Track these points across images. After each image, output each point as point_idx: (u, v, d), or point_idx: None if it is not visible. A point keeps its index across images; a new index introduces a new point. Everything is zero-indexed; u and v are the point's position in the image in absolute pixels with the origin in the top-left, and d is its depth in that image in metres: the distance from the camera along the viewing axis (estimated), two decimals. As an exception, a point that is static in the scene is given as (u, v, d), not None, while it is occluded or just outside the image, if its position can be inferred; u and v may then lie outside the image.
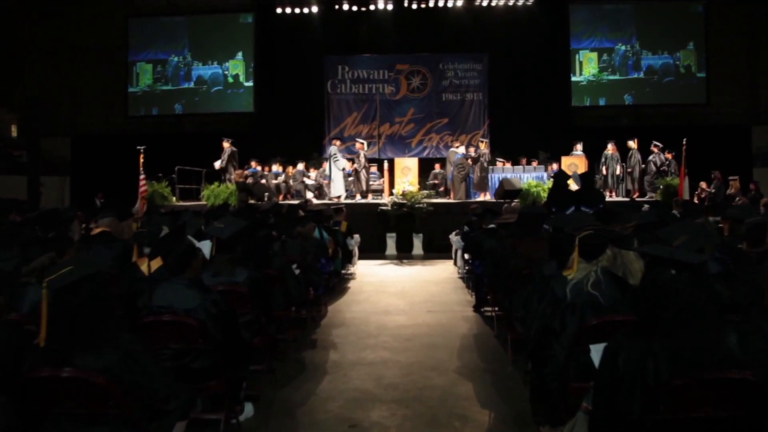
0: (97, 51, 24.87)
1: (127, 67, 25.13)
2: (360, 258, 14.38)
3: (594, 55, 24.41)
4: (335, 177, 17.57)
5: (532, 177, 17.96)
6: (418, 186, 17.67)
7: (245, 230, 6.22)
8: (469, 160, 18.08)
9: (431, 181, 20.90)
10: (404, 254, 15.97)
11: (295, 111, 24.04)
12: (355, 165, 18.05)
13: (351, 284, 11.86)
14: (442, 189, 19.75)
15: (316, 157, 22.59)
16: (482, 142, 18.98)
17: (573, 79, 24.35)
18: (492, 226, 9.27)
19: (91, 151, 24.57)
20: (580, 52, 24.41)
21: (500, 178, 18.13)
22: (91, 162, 24.18)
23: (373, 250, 16.05)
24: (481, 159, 18.03)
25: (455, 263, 12.90)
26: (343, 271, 12.37)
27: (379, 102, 23.59)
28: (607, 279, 4.38)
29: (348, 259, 12.29)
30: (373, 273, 13.23)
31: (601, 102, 24.42)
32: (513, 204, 13.43)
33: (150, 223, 6.65)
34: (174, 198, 18.26)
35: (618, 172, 18.73)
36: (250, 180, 16.82)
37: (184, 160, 20.43)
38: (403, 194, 16.30)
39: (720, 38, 23.80)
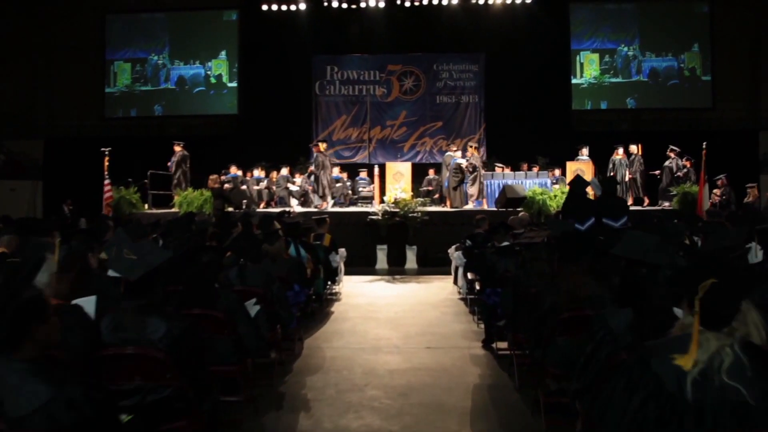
0: (72, 49, 22.84)
1: (104, 66, 23.15)
2: (347, 273, 12.44)
3: (595, 57, 22.59)
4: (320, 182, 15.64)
5: (536, 183, 16.05)
6: (411, 193, 15.76)
7: (179, 259, 4.31)
8: (466, 166, 16.17)
9: (425, 188, 18.97)
10: (396, 268, 14.04)
11: (281, 113, 22.07)
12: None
13: (335, 307, 9.89)
14: (437, 196, 17.83)
15: (302, 161, 20.63)
16: (471, 147, 17.11)
17: (573, 81, 22.53)
18: (506, 243, 7.35)
19: (65, 154, 22.47)
20: (581, 53, 22.59)
21: (501, 185, 16.24)
22: (65, 166, 22.10)
23: (362, 264, 14.13)
24: (477, 166, 16.21)
25: (455, 282, 10.95)
26: (326, 291, 10.44)
27: (369, 104, 21.72)
28: (753, 360, 2.43)
29: (331, 277, 10.33)
30: (361, 293, 11.26)
31: (603, 105, 22.59)
32: (520, 215, 11.53)
33: (26, 250, 4.53)
34: (145, 205, 16.31)
35: (627, 178, 16.86)
36: (227, 186, 14.83)
37: (163, 165, 18.55)
38: (395, 202, 14.38)
39: (726, 40, 21.99)
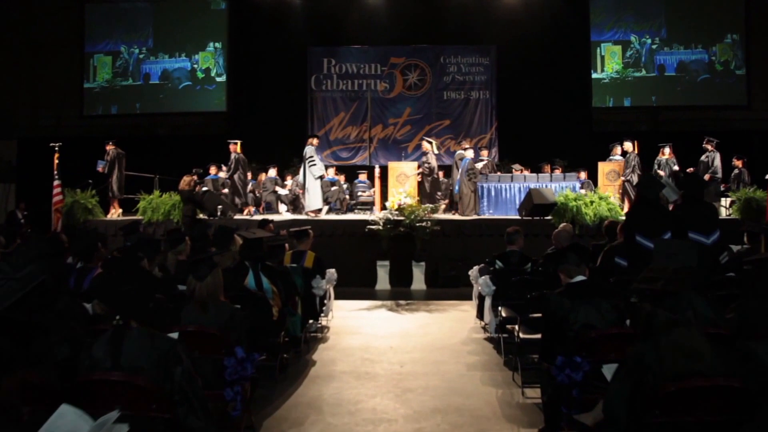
0: (48, 41, 20.01)
1: (82, 59, 20.22)
2: (340, 296, 9.53)
3: (618, 49, 19.61)
4: (311, 186, 12.66)
5: (563, 187, 13.06)
6: (417, 198, 12.79)
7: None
8: (481, 166, 13.23)
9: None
10: (401, 290, 11.09)
11: (273, 111, 19.14)
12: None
13: (318, 354, 6.92)
14: (446, 202, 14.83)
15: (296, 163, 17.64)
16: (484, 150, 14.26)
17: (594, 76, 19.55)
18: (582, 279, 4.38)
19: (41, 155, 19.40)
20: (602, 45, 19.59)
21: (521, 189, 13.27)
22: (41, 167, 19.10)
23: (359, 284, 11.20)
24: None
25: (480, 315, 7.95)
26: (309, 328, 7.48)
27: (370, 100, 18.76)
28: None
29: (314, 312, 7.37)
30: (356, 328, 8.27)
31: (626, 102, 19.59)
32: (562, 227, 8.57)
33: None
34: (113, 210, 13.43)
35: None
36: (200, 189, 11.86)
37: (143, 166, 15.78)
38: (400, 209, 11.43)
39: (762, 30, 19.00)
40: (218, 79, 19.98)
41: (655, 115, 19.50)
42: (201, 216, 12.12)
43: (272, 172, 15.19)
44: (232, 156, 13.80)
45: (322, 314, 8.16)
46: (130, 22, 20.14)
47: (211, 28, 19.95)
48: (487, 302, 7.34)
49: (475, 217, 12.56)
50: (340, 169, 17.36)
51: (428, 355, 6.77)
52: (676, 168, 13.84)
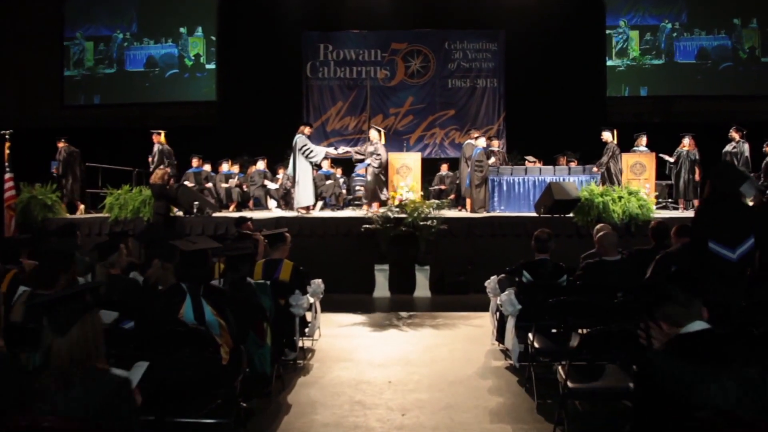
0: (24, 25, 18.22)
1: (62, 45, 18.49)
2: (331, 308, 7.90)
3: (635, 35, 17.86)
4: (302, 179, 10.93)
5: (585, 181, 11.37)
6: (421, 192, 11.12)
7: None
8: (494, 158, 11.54)
9: (436, 187, 14.31)
10: (402, 297, 9.39)
11: (266, 100, 17.38)
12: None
13: (295, 394, 5.20)
14: (452, 197, 13.11)
15: (290, 155, 15.92)
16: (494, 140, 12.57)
17: (609, 63, 17.83)
18: (702, 327, 2.64)
19: (18, 148, 17.76)
20: (618, 30, 17.85)
21: (537, 183, 11.59)
22: (17, 162, 17.42)
23: (355, 290, 9.52)
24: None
25: (499, 338, 6.23)
26: (290, 354, 5.80)
27: (369, 89, 17.08)
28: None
29: (288, 342, 5.66)
30: (347, 352, 6.54)
31: (643, 92, 17.87)
32: (602, 231, 6.88)
33: None
34: (82, 207, 11.75)
35: (698, 176, 12.17)
36: (173, 183, 10.14)
37: (128, 159, 14.21)
38: (401, 205, 9.74)
39: (791, 14, 17.29)
40: (208, 67, 18.29)
41: (671, 105, 17.76)
42: (177, 213, 10.44)
43: (261, 165, 13.47)
44: (155, 147, 12.22)
45: (306, 335, 6.48)
46: (112, 5, 18.44)
47: (199, 11, 18.23)
48: (510, 324, 5.65)
49: (486, 214, 10.84)
50: (336, 162, 15.67)
51: (437, 396, 5.06)
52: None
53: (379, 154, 11.24)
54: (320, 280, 6.78)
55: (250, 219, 8.93)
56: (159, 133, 12.41)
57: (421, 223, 9.22)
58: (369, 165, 11.32)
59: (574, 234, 9.77)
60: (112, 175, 13.62)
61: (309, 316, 6.57)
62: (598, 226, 6.94)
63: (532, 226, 9.53)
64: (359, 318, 8.06)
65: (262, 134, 16.33)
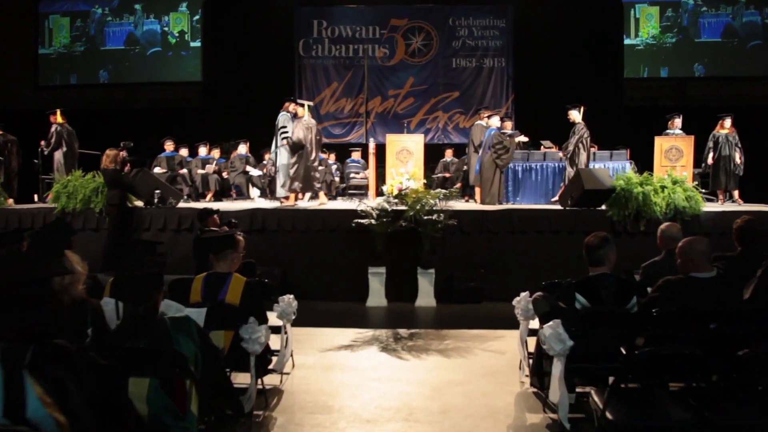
0: (-5, -1, 16.31)
1: (36, 21, 16.52)
2: (313, 322, 6.04)
3: (654, 11, 15.88)
4: (282, 163, 9.02)
5: (615, 168, 9.48)
6: (424, 180, 9.22)
7: None
8: (514, 139, 9.63)
9: (439, 174, 12.42)
10: (401, 307, 7.49)
11: (255, 81, 15.43)
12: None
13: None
14: (458, 186, 11.19)
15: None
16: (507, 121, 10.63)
17: (626, 42, 15.85)
18: None
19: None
20: (637, 6, 15.86)
21: (560, 170, 9.70)
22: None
23: (344, 297, 7.64)
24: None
25: (539, 384, 4.32)
26: (237, 407, 3.89)
27: (367, 69, 15.05)
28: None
29: (231, 402, 3.74)
30: (324, 399, 4.56)
31: (663, 73, 15.91)
32: (669, 228, 5.01)
33: None
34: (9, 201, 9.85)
35: (738, 161, 10.25)
36: (130, 168, 8.19)
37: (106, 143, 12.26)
38: (401, 195, 7.84)
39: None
40: (192, 45, 16.32)
41: (693, 86, 15.79)
42: (137, 203, 8.54)
43: (242, 149, 11.55)
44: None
45: (272, 371, 4.63)
46: (90, -23, 16.47)
47: (183, -16, 16.27)
48: (558, 369, 3.75)
49: (501, 207, 8.92)
50: (329, 146, 13.79)
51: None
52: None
53: (285, 130, 9.04)
54: (291, 297, 4.89)
55: (217, 211, 7.03)
56: (54, 113, 10.53)
57: (425, 217, 7.30)
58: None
59: (608, 231, 7.83)
60: (88, 160, 11.76)
61: (277, 341, 4.73)
62: (665, 227, 5.06)
63: (557, 221, 7.70)
64: (347, 337, 6.16)
65: (250, 117, 14.33)
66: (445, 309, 7.44)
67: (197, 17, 16.19)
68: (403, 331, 6.38)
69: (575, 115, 9.80)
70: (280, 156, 8.98)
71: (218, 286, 3.94)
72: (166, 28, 16.33)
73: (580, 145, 9.50)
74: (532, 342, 4.76)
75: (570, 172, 9.25)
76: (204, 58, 16.24)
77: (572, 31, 15.47)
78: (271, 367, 4.70)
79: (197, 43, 16.27)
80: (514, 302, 4.92)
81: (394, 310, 7.38)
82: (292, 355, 5.15)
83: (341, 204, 9.03)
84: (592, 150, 11.45)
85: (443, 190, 7.80)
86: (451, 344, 5.94)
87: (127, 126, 14.89)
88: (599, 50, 15.60)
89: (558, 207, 8.59)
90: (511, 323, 6.66)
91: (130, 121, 15.32)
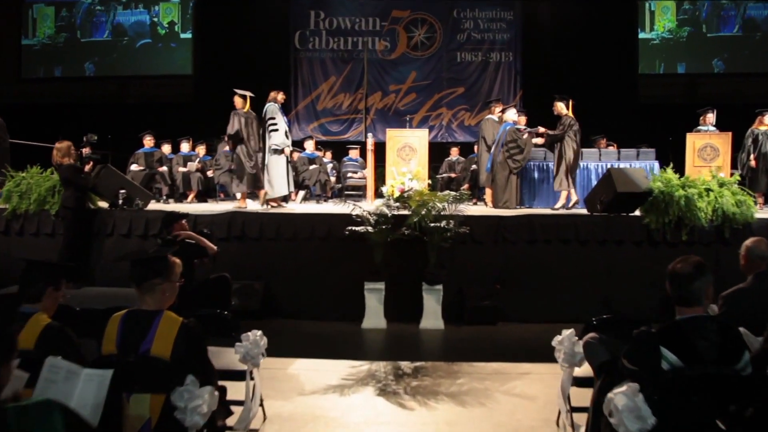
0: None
1: (20, 11, 15.23)
2: (293, 351, 4.76)
3: (671, 3, 14.65)
4: (272, 163, 7.72)
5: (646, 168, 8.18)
6: (429, 181, 7.93)
7: None
8: (533, 135, 8.32)
9: (444, 174, 11.12)
10: (404, 329, 6.16)
11: (249, 74, 13.94)
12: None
13: None
14: (465, 187, 9.88)
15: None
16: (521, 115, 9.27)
17: (641, 36, 14.63)
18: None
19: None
20: (652, -2, 14.63)
21: (582, 169, 8.41)
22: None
23: (335, 317, 6.34)
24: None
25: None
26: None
27: (367, 63, 13.65)
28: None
29: None
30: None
31: (680, 69, 14.63)
32: (754, 242, 3.69)
33: None
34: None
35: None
36: (91, 165, 6.85)
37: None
38: (403, 197, 6.54)
39: None
40: (183, 36, 15.06)
41: (713, 83, 14.49)
42: (102, 204, 7.24)
43: (228, 145, 10.22)
44: None
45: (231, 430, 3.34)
46: (76, -35, 15.17)
47: (174, -28, 14.98)
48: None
49: (518, 212, 7.60)
50: (326, 144, 12.52)
51: None
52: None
53: (273, 122, 7.81)
54: (259, 334, 3.59)
55: (186, 216, 5.73)
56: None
57: (432, 224, 5.98)
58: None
59: (644, 241, 6.56)
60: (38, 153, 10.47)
61: (241, 390, 3.45)
62: (753, 243, 3.73)
63: (585, 230, 6.37)
64: (338, 373, 4.84)
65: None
66: (455, 332, 6.12)
67: (188, 7, 14.90)
68: (405, 365, 5.07)
69: (561, 107, 8.42)
70: (268, 153, 7.67)
71: (141, 330, 2.63)
72: (155, 19, 15.05)
73: (569, 139, 8.15)
74: (577, 395, 3.50)
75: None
76: (195, 50, 15.00)
77: (584, 23, 14.23)
78: (232, 425, 3.43)
79: (188, 35, 14.99)
80: (554, 343, 3.60)
81: (394, 334, 6.07)
82: (262, 404, 3.85)
83: (333, 207, 7.64)
84: (611, 148, 10.18)
85: (452, 192, 6.47)
86: (465, 384, 4.62)
87: (112, 121, 13.59)
88: (612, 45, 14.33)
89: (584, 212, 7.29)
90: (535, 353, 5.38)
91: (116, 116, 14.03)
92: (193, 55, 14.94)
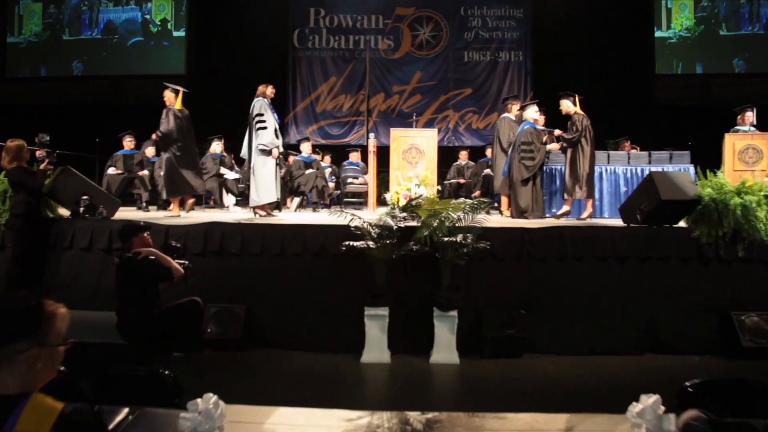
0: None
1: (5, 7, 14.18)
2: (276, 396, 3.62)
3: (689, 1, 13.50)
4: (259, 166, 6.61)
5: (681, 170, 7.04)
6: (437, 187, 6.84)
7: None
8: (552, 138, 7.21)
9: (452, 180, 10.03)
10: (411, 363, 5.04)
11: (245, 75, 12.89)
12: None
13: None
14: (476, 194, 8.78)
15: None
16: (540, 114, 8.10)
17: (657, 34, 13.50)
18: None
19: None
20: (669, -6, 13.53)
21: (609, 174, 7.29)
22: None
23: (329, 349, 5.22)
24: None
25: None
26: None
27: (369, 62, 12.68)
28: None
29: None
30: None
31: (698, 68, 13.51)
32: None
33: None
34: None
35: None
36: (45, 167, 5.75)
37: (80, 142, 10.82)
38: (411, 205, 5.43)
39: None
40: (176, 34, 13.96)
41: (734, 84, 13.39)
42: (62, 212, 6.13)
43: (216, 147, 9.15)
44: None
45: None
46: (65, -41, 14.12)
47: (167, -33, 13.92)
48: None
49: (545, 222, 6.46)
50: (325, 148, 11.44)
51: None
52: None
53: (262, 119, 6.75)
54: (213, 400, 2.48)
55: (149, 227, 4.64)
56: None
57: (446, 238, 4.87)
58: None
59: (693, 257, 5.44)
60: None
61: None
62: None
63: (625, 243, 5.26)
64: (329, 430, 3.74)
65: (238, 115, 11.90)
66: (473, 368, 4.99)
67: (181, 4, 13.82)
68: (415, 417, 3.94)
69: (568, 105, 7.32)
70: (256, 153, 6.57)
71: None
72: (147, 16, 13.97)
73: (583, 140, 7.05)
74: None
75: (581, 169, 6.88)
76: (188, 48, 13.88)
77: (597, 21, 13.20)
78: None
79: (181, 33, 13.90)
80: (629, 415, 2.49)
81: (400, 371, 4.94)
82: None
83: (326, 217, 6.44)
84: (634, 150, 9.08)
85: (468, 200, 5.35)
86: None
87: (101, 123, 12.58)
88: (627, 43, 13.29)
89: (615, 223, 6.17)
90: (574, 397, 4.30)
91: (105, 117, 13.00)
92: (187, 54, 13.84)
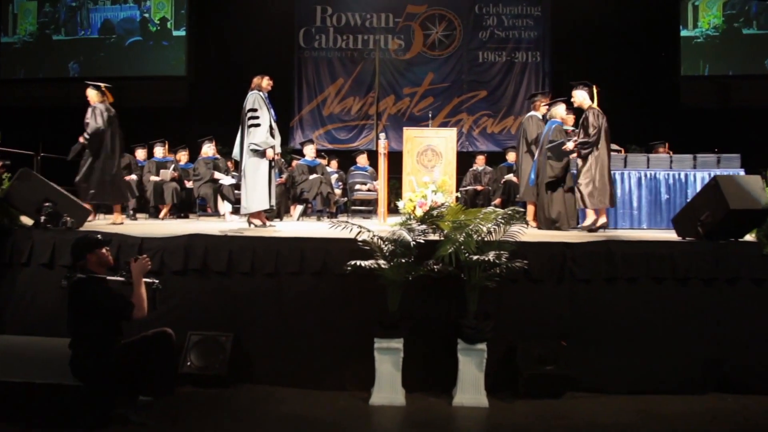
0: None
1: None
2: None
3: (717, -2, 12.64)
4: (250, 168, 5.70)
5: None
6: (457, 194, 5.89)
7: None
8: (566, 148, 6.23)
9: (468, 187, 9.09)
10: (430, 405, 4.09)
11: (248, 76, 11.98)
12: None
13: None
14: (497, 202, 7.84)
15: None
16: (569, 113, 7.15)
17: (683, 33, 12.60)
18: None
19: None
20: (695, -9, 12.63)
21: (648, 180, 6.33)
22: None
23: (334, 387, 4.26)
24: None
25: None
26: None
27: (378, 63, 11.86)
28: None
29: None
30: None
31: (728, 70, 12.56)
32: None
33: None
34: None
35: None
36: (2, 173, 4.89)
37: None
38: (430, 215, 4.49)
39: None
40: (176, 34, 13.17)
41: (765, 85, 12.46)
42: (25, 221, 5.25)
43: (208, 149, 8.26)
44: None
45: None
46: (61, -44, 13.37)
47: (167, -36, 13.14)
48: None
49: (590, 236, 5.49)
50: (332, 153, 10.56)
51: None
52: None
53: (255, 115, 5.88)
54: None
55: (108, 242, 3.74)
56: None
57: (475, 257, 3.94)
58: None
59: (767, 279, 4.47)
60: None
61: None
62: None
63: (686, 262, 4.29)
64: None
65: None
66: (505, 412, 4.03)
67: (182, 2, 13.02)
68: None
69: (583, 98, 6.30)
70: (247, 154, 5.66)
71: None
72: (146, 15, 13.18)
73: (601, 138, 6.07)
74: None
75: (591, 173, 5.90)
76: (189, 49, 13.10)
77: (619, 20, 12.35)
78: None
79: (181, 32, 13.10)
80: None
81: (417, 417, 3.98)
82: None
83: (327, 230, 5.27)
84: (666, 153, 8.13)
85: (499, 209, 4.40)
86: None
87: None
88: (651, 43, 12.46)
89: (672, 235, 5.21)
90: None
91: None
92: (187, 54, 13.03)
